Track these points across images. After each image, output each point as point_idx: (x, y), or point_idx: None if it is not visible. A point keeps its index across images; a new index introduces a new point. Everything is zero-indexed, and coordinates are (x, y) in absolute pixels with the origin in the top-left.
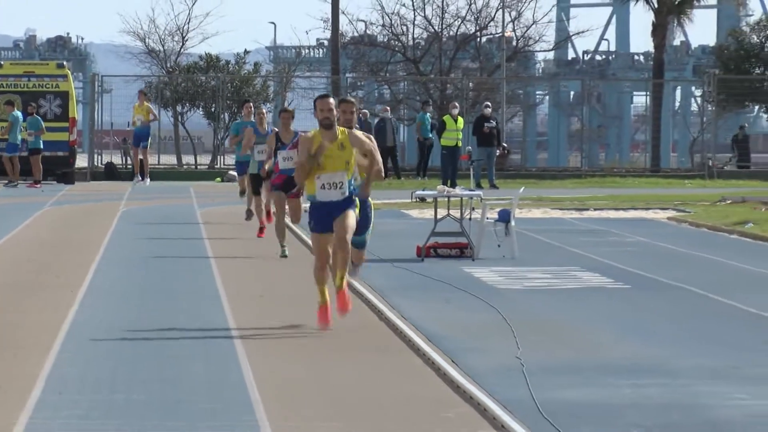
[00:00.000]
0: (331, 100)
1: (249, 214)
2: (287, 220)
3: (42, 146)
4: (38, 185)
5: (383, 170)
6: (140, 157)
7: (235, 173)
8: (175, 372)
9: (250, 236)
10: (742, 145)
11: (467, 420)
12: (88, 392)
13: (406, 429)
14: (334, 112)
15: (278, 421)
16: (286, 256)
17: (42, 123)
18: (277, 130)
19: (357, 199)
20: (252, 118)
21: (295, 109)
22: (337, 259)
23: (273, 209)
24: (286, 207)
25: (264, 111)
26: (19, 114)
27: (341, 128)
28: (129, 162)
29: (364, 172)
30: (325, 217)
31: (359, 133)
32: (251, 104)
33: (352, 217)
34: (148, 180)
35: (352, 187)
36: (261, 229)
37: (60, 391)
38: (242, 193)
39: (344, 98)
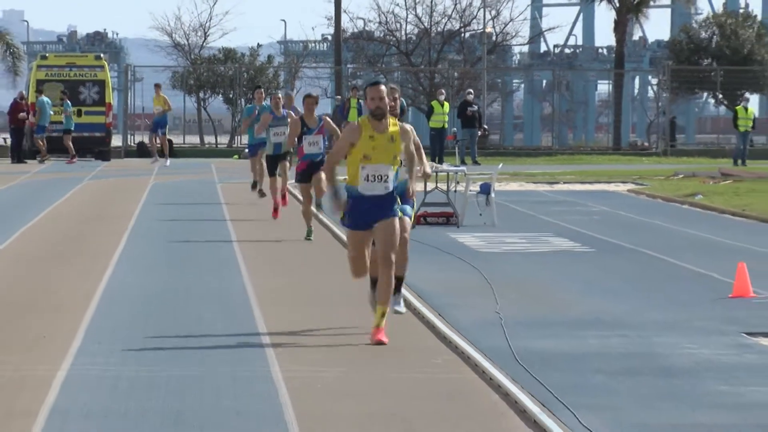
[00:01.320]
0: (383, 87)
1: (255, 186)
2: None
3: (72, 127)
4: (74, 160)
5: (428, 168)
6: (158, 141)
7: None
8: (197, 326)
9: (266, 209)
10: (673, 129)
11: (452, 365)
12: (121, 342)
13: (399, 373)
14: (386, 100)
15: (287, 364)
16: (310, 239)
17: (70, 107)
18: (294, 114)
19: (399, 199)
20: (263, 103)
21: (318, 95)
22: (381, 284)
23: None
24: (312, 193)
25: (280, 96)
26: (45, 99)
27: (393, 119)
28: (158, 141)
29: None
30: (364, 214)
31: (410, 128)
32: (262, 90)
33: (396, 228)
34: (169, 160)
35: (395, 183)
36: (275, 209)
37: (99, 341)
38: (254, 185)
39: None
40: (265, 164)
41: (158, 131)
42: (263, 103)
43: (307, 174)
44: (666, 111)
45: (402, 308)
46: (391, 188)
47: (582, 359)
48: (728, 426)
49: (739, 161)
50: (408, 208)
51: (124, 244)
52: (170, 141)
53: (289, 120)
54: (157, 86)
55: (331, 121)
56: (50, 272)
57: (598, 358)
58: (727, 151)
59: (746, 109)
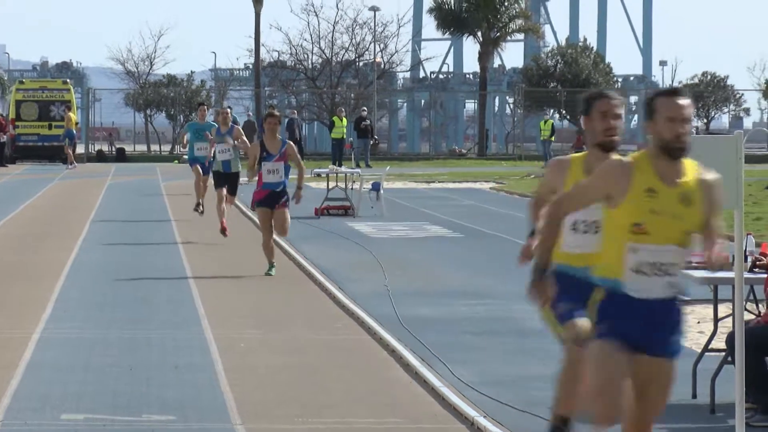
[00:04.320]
0: (616, 101)
1: (198, 207)
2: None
3: None
4: None
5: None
6: (70, 150)
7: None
8: (146, 292)
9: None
10: (486, 136)
11: (350, 329)
12: (84, 310)
13: (308, 334)
14: (622, 122)
15: (217, 329)
16: (271, 274)
17: None
18: (239, 126)
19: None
20: (207, 120)
21: (280, 115)
22: None
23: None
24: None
25: (228, 111)
26: None
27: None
28: (114, 149)
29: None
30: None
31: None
32: (206, 107)
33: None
34: (74, 166)
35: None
36: (223, 230)
37: (65, 309)
38: (197, 205)
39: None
40: (211, 179)
41: (67, 143)
42: (207, 120)
43: (267, 202)
44: (522, 123)
45: None
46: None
47: (453, 323)
48: None
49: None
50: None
51: (87, 228)
52: (122, 149)
53: (234, 132)
54: (67, 108)
55: (294, 148)
56: (26, 250)
57: (467, 322)
58: None
59: (545, 122)
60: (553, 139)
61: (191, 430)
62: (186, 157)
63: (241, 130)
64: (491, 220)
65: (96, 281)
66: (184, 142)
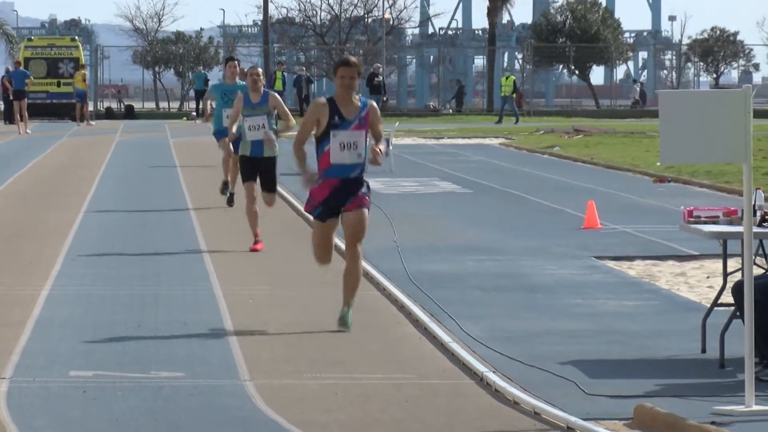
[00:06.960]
0: None
1: (225, 188)
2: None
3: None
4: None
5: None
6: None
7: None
8: (154, 249)
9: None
10: (459, 94)
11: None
12: (93, 267)
13: (316, 292)
14: None
15: (225, 284)
16: (346, 324)
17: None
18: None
19: None
20: (237, 80)
21: (361, 63)
22: None
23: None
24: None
25: (260, 71)
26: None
27: None
28: (123, 107)
29: None
30: None
31: None
32: (236, 62)
33: None
34: (81, 123)
35: None
36: (256, 241)
37: (75, 266)
38: (224, 186)
39: None
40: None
41: (79, 101)
42: (236, 81)
43: (334, 203)
44: (531, 79)
45: None
46: None
47: (462, 278)
48: (580, 331)
49: (514, 119)
50: None
51: (96, 185)
52: (131, 106)
53: (270, 102)
54: (80, 68)
55: (378, 112)
56: (36, 208)
57: (475, 278)
58: (579, 112)
59: (506, 77)
60: (514, 95)
61: (200, 386)
62: (195, 116)
63: (278, 98)
64: (501, 176)
65: (104, 239)
66: (210, 110)
